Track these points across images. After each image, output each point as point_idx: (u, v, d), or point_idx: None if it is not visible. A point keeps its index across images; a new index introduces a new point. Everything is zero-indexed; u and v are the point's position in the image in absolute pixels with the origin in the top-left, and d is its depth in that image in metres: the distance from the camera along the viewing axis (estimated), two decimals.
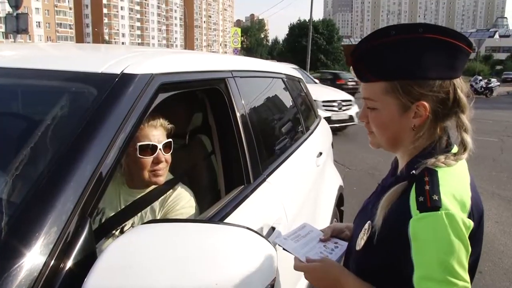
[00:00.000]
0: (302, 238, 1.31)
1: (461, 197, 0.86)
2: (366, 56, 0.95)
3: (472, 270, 0.91)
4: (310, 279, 1.09)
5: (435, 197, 0.83)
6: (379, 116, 0.97)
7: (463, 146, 0.93)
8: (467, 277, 0.82)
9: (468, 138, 0.92)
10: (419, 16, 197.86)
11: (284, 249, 1.27)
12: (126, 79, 1.08)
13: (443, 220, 0.81)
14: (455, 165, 0.91)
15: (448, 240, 0.81)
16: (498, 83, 24.45)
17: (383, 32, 0.91)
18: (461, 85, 0.93)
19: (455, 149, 0.95)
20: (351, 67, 1.00)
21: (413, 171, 0.90)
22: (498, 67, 56.93)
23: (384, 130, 0.98)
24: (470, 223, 0.84)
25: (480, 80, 22.54)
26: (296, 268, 1.12)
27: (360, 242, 1.00)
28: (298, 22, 46.58)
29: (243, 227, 0.95)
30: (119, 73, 1.09)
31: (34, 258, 0.75)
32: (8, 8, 9.30)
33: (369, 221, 0.97)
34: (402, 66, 0.91)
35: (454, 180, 0.89)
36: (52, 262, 0.76)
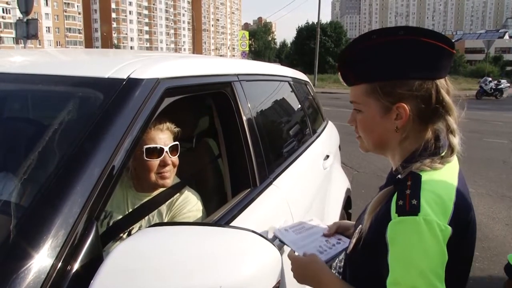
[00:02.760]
0: (305, 231, 1.32)
1: (443, 203, 0.84)
2: (349, 60, 0.97)
3: (463, 275, 0.91)
4: (293, 271, 1.12)
5: (414, 202, 0.82)
6: (363, 118, 0.98)
7: (450, 148, 0.92)
8: (441, 285, 0.79)
9: (454, 141, 0.92)
10: (427, 17, 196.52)
11: (281, 241, 1.28)
12: (132, 83, 1.09)
13: (420, 225, 0.80)
14: (443, 169, 0.90)
15: (424, 246, 0.79)
16: (508, 84, 24.09)
17: (365, 37, 0.94)
18: (445, 86, 0.93)
19: (445, 152, 0.93)
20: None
21: (399, 176, 0.91)
22: (508, 68, 56.27)
23: (369, 132, 0.99)
24: (448, 230, 0.81)
25: (490, 81, 22.26)
26: (288, 256, 1.16)
27: (350, 245, 1.02)
28: (306, 24, 46.70)
29: (249, 230, 0.96)
30: (125, 78, 1.10)
31: (41, 260, 0.76)
32: (19, 14, 9.42)
33: (360, 225, 0.98)
34: (381, 68, 0.92)
35: (438, 185, 0.87)
36: (60, 264, 0.78)
